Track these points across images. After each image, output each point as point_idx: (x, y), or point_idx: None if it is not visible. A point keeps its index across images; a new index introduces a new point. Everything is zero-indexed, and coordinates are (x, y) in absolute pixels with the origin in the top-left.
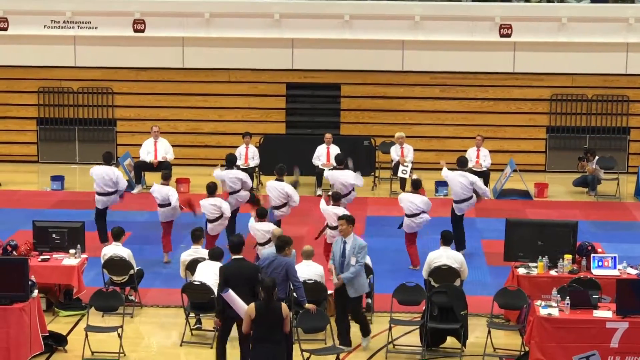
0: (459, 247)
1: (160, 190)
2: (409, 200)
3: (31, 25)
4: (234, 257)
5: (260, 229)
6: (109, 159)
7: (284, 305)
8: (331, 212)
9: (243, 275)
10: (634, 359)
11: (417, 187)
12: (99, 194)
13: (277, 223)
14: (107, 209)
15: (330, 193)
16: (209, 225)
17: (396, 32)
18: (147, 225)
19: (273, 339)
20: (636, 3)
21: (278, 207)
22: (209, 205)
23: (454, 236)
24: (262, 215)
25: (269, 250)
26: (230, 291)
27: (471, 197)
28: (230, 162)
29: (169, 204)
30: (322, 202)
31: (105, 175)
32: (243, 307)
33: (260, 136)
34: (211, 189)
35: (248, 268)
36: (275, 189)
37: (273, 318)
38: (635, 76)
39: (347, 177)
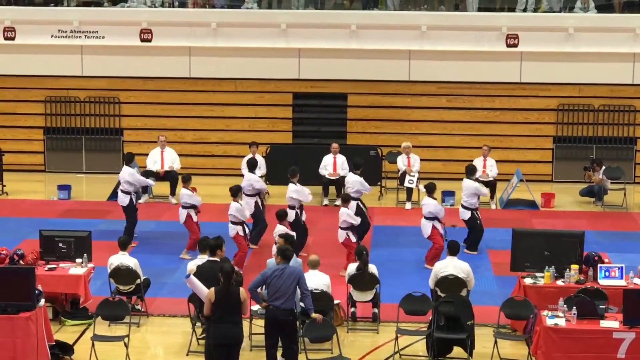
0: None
1: (188, 194)
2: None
3: (38, 35)
4: (210, 258)
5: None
6: (129, 160)
7: (242, 289)
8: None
9: (213, 274)
10: None
11: (431, 191)
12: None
13: (304, 226)
14: (129, 208)
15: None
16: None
17: (403, 42)
18: (154, 235)
19: (231, 320)
20: None
21: (293, 208)
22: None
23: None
24: (281, 217)
25: (272, 260)
26: (192, 276)
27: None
28: (252, 167)
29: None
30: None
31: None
32: (204, 292)
33: (267, 146)
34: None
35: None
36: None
37: (232, 301)
38: None
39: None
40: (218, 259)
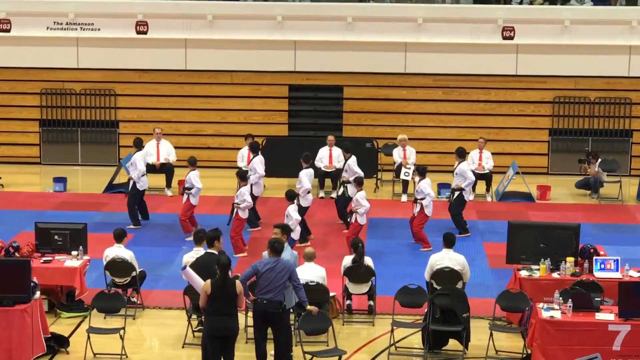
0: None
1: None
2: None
3: (34, 27)
4: (207, 250)
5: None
6: (138, 144)
7: (238, 282)
8: (358, 197)
9: (211, 266)
10: None
11: (423, 173)
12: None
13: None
14: (135, 191)
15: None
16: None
17: (399, 34)
18: (150, 227)
19: (227, 312)
20: (639, 6)
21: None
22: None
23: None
24: (291, 198)
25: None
26: (188, 268)
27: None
28: (255, 149)
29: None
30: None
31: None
32: (200, 284)
33: (263, 138)
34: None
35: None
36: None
37: (228, 293)
38: (638, 79)
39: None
40: (215, 252)
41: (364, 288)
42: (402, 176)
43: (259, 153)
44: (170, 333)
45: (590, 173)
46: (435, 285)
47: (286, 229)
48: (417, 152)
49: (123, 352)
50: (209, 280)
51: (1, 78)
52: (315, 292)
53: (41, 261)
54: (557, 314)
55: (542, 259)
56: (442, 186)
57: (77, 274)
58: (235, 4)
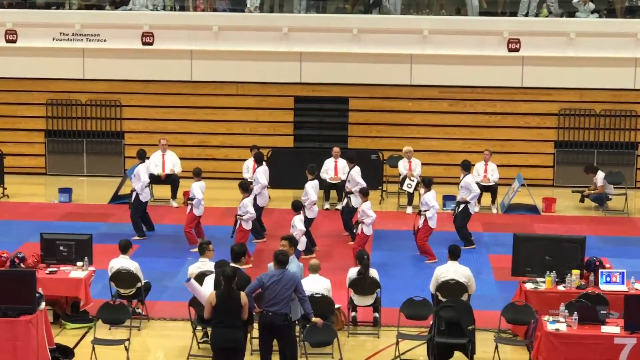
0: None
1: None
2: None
3: (40, 38)
4: (231, 264)
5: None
6: (141, 156)
7: (242, 294)
8: (364, 207)
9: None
10: None
11: (428, 185)
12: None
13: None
14: (138, 203)
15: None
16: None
17: (404, 46)
18: (155, 238)
19: (232, 323)
20: None
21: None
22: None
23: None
24: (297, 208)
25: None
26: (192, 280)
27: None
28: (259, 159)
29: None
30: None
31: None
32: (204, 295)
33: (268, 149)
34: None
35: (240, 277)
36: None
37: (233, 305)
38: None
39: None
40: (240, 267)
41: (369, 300)
42: (404, 187)
43: (263, 163)
44: (175, 344)
45: (596, 191)
46: (440, 298)
47: (293, 241)
48: (422, 164)
49: None
50: (213, 292)
51: (7, 89)
52: (321, 304)
53: (46, 272)
54: (562, 327)
55: (548, 272)
56: (447, 198)
57: (82, 285)
58: (241, 15)
